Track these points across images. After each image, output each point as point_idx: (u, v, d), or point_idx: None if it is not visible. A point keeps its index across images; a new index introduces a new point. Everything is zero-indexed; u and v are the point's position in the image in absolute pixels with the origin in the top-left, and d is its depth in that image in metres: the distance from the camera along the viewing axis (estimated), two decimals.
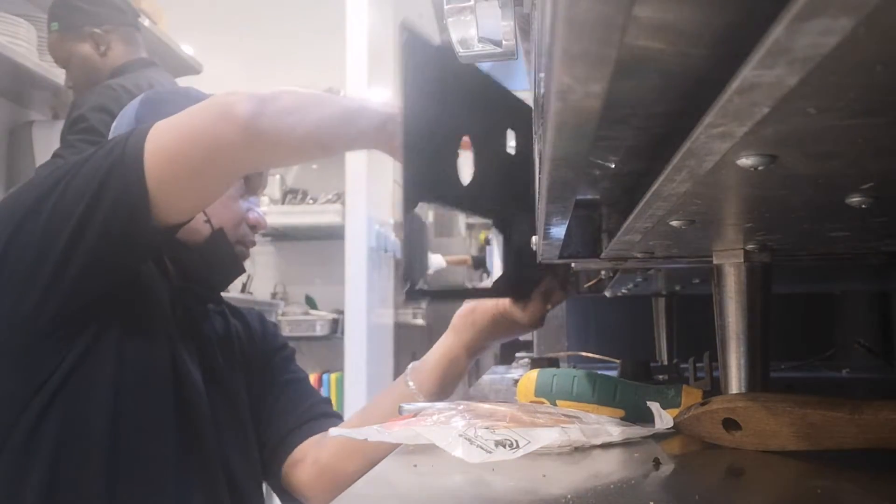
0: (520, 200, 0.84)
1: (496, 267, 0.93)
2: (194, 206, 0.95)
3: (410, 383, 1.03)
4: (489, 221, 0.86)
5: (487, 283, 0.95)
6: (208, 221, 1.05)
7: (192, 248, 1.04)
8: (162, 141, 0.87)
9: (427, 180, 0.68)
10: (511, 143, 0.84)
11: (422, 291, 0.69)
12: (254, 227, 1.11)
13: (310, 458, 1.10)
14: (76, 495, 0.88)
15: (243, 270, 1.12)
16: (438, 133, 0.69)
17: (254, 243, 1.13)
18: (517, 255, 0.86)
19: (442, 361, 1.01)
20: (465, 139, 0.75)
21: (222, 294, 1.17)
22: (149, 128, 0.89)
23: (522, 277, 0.89)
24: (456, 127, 0.72)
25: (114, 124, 1.10)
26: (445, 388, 1.02)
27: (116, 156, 0.87)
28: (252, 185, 1.11)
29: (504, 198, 0.83)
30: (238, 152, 0.88)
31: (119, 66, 2.11)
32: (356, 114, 0.94)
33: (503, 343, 1.11)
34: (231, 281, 1.15)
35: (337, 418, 1.17)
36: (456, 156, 0.72)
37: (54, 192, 0.88)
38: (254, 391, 1.15)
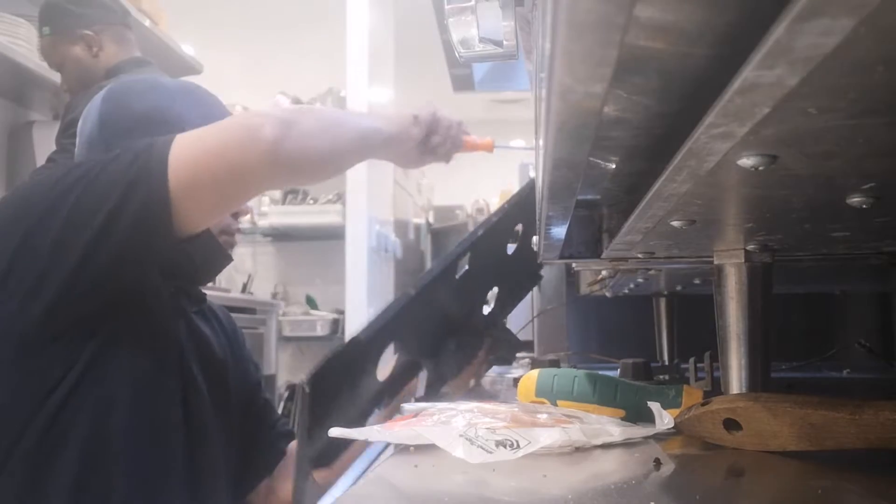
0: (459, 306, 0.95)
1: (420, 388, 1.00)
2: (213, 218, 0.97)
3: None
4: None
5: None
6: None
7: (176, 245, 1.04)
8: (187, 156, 0.88)
9: (329, 448, 0.71)
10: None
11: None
12: (236, 215, 1.11)
13: (264, 488, 1.13)
14: (101, 496, 0.88)
15: (231, 259, 1.12)
16: (348, 396, 0.72)
17: (239, 230, 1.12)
18: (450, 371, 0.95)
19: None
20: None
21: (222, 294, 1.17)
22: (171, 140, 0.89)
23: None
24: (374, 359, 0.76)
25: (80, 123, 1.08)
26: (389, 417, 1.06)
27: (140, 167, 0.88)
28: None
29: (434, 342, 0.91)
30: (262, 173, 0.90)
31: (112, 66, 2.11)
32: (370, 135, 1.01)
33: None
34: (219, 272, 1.15)
35: (292, 436, 1.19)
36: (373, 374, 0.76)
37: (68, 199, 0.87)
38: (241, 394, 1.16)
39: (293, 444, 1.14)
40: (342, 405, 0.69)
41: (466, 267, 0.92)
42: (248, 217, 1.65)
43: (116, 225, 0.86)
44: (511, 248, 1.06)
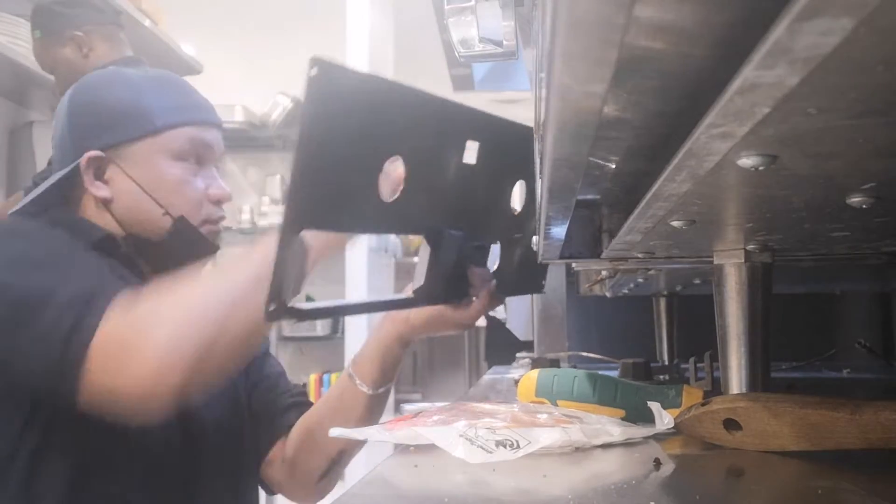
0: (464, 210, 0.85)
1: (419, 276, 0.89)
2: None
3: (354, 376, 1.04)
4: (417, 235, 0.84)
5: (408, 290, 0.90)
6: (167, 213, 1.02)
7: (157, 242, 1.02)
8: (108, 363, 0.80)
9: (320, 207, 0.63)
10: (467, 158, 0.83)
11: (294, 310, 0.62)
12: (218, 202, 1.07)
13: (278, 457, 1.12)
14: None
15: (215, 248, 1.08)
16: (348, 160, 0.65)
17: (222, 218, 1.08)
18: (451, 264, 0.85)
19: (378, 351, 1.02)
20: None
21: None
22: (96, 324, 0.80)
23: (451, 285, 0.88)
24: (378, 149, 0.69)
25: (53, 126, 1.06)
26: (385, 374, 1.02)
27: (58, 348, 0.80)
28: (203, 159, 1.05)
29: (440, 210, 0.82)
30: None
31: (103, 66, 2.11)
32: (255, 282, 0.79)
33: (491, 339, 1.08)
34: (204, 263, 1.10)
35: (304, 406, 1.16)
36: (375, 177, 0.69)
37: None
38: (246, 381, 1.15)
39: (309, 414, 1.13)
40: (345, 161, 0.63)
41: (473, 161, 0.85)
42: (248, 217, 1.60)
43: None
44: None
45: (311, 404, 1.16)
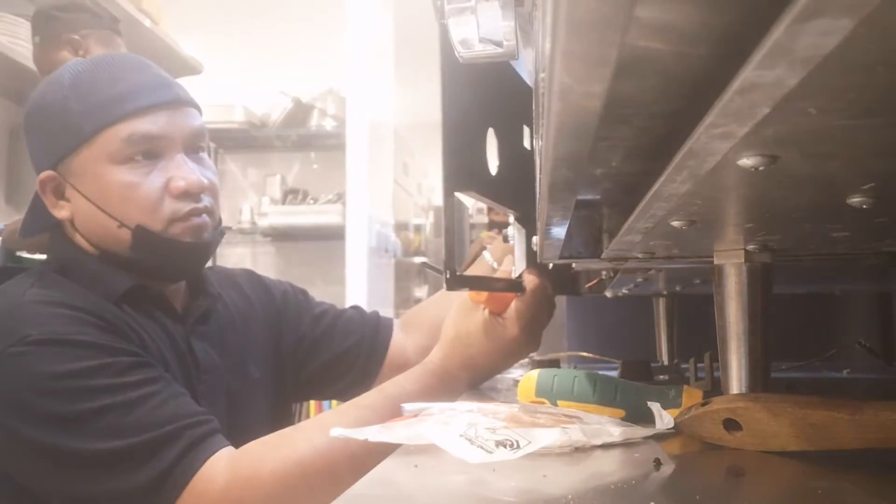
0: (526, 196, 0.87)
1: (519, 261, 0.87)
2: None
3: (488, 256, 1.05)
4: (510, 214, 0.89)
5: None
6: (122, 225, 0.93)
7: (128, 257, 0.94)
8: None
9: (463, 169, 0.73)
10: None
11: (462, 278, 0.73)
12: (184, 194, 0.93)
13: (409, 350, 1.14)
14: None
15: (194, 245, 0.95)
16: (471, 125, 0.74)
17: (200, 210, 0.95)
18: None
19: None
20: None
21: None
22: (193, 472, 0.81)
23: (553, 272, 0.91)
24: (484, 120, 0.76)
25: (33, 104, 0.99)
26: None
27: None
28: (156, 151, 0.93)
29: (524, 191, 0.84)
30: None
31: None
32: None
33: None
34: (197, 263, 1.00)
35: (388, 319, 1.21)
36: (484, 146, 0.76)
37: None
38: (291, 347, 1.14)
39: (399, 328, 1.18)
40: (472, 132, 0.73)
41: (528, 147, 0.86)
42: (248, 218, 1.57)
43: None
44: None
45: (360, 308, 1.20)
